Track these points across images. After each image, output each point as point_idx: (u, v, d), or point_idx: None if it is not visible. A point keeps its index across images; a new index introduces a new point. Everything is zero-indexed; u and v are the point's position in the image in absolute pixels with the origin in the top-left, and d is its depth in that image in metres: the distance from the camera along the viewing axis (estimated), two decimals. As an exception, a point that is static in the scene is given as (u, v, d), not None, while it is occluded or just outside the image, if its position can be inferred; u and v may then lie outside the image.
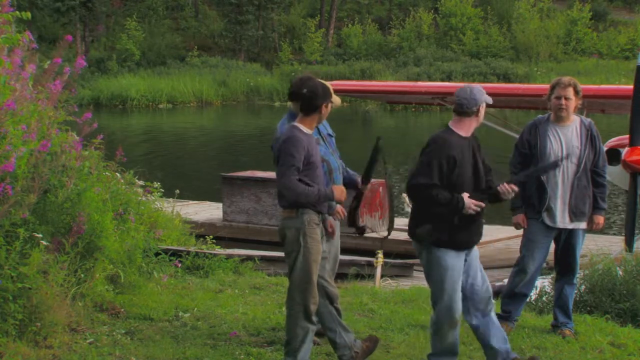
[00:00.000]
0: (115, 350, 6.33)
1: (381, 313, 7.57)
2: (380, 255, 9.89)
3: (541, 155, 6.93)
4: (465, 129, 5.97)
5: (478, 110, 5.97)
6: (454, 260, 5.90)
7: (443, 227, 5.86)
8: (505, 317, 7.17)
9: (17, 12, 7.05)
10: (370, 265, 9.97)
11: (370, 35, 50.65)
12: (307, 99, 5.92)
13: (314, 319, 5.98)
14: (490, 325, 6.11)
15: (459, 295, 5.95)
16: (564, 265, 7.18)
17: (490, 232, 14.04)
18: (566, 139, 6.97)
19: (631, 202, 10.41)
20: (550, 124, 7.02)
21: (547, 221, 6.99)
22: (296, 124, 5.97)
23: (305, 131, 5.93)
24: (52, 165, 6.91)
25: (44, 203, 6.81)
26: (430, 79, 40.08)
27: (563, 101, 6.95)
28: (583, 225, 7.06)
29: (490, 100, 6.03)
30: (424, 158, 5.89)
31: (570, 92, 6.96)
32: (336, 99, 6.20)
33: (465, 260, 6.01)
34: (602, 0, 53.13)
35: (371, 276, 9.82)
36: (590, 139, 7.00)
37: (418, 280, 10.41)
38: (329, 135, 6.65)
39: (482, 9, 50.79)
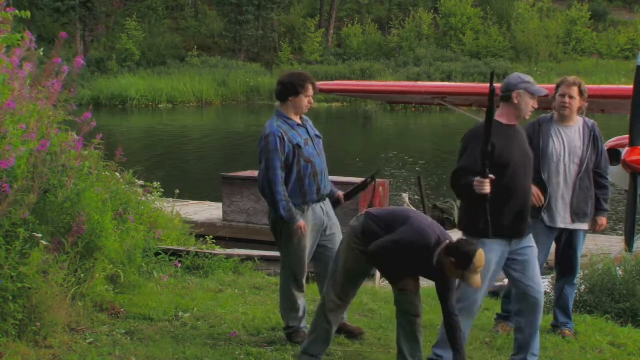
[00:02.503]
0: (115, 350, 6.33)
1: (381, 313, 7.57)
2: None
3: (543, 155, 6.93)
4: (506, 116, 6.00)
5: (511, 96, 5.97)
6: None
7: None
8: (505, 317, 7.18)
9: (17, 12, 7.05)
10: (370, 265, 9.95)
11: (370, 35, 50.67)
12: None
13: (333, 319, 5.96)
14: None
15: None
16: (565, 266, 7.18)
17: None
18: (568, 139, 6.96)
19: (631, 202, 10.41)
20: (554, 123, 7.01)
21: (547, 221, 6.98)
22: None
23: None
24: (51, 165, 6.91)
25: (44, 203, 6.81)
26: (430, 79, 40.11)
27: (567, 99, 6.94)
28: (585, 226, 7.05)
29: (540, 92, 6.00)
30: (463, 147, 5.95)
31: (574, 91, 6.95)
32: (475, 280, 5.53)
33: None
34: (602, 0, 53.12)
35: (371, 276, 9.80)
36: (593, 140, 7.00)
37: (418, 280, 10.41)
38: (317, 136, 6.65)
39: (482, 9, 50.80)
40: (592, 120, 7.15)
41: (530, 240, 6.07)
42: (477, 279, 5.45)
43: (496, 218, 5.83)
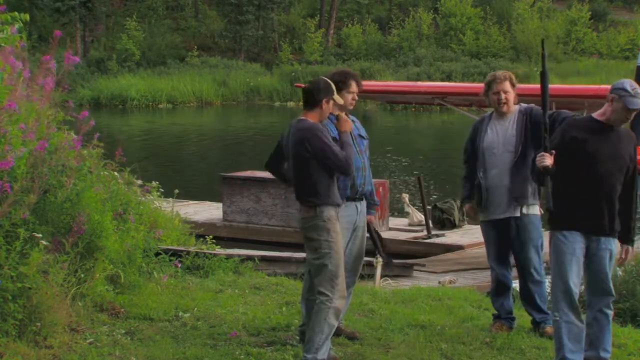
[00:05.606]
0: (115, 350, 6.33)
1: (381, 313, 7.57)
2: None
3: (478, 150, 6.98)
4: (604, 115, 5.98)
5: (611, 99, 5.91)
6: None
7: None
8: (497, 315, 7.15)
9: (16, 13, 7.04)
10: (370, 265, 9.96)
11: (370, 35, 50.63)
12: (308, 93, 6.15)
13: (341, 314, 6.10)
14: None
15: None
16: (517, 259, 7.04)
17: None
18: (503, 130, 6.94)
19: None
20: (492, 119, 7.04)
21: (483, 216, 7.03)
22: (301, 117, 6.16)
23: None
24: (51, 164, 6.90)
25: (43, 203, 6.81)
26: (430, 79, 40.02)
27: (502, 95, 6.92)
28: (531, 210, 6.91)
29: (634, 105, 5.83)
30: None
31: (507, 85, 6.94)
32: (338, 98, 6.25)
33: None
34: (602, 0, 53.10)
35: (371, 276, 9.81)
36: (532, 124, 6.81)
37: (418, 280, 10.42)
38: (360, 136, 6.70)
39: (482, 9, 50.78)
40: (529, 106, 7.01)
41: (613, 243, 6.02)
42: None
43: (574, 210, 5.89)
